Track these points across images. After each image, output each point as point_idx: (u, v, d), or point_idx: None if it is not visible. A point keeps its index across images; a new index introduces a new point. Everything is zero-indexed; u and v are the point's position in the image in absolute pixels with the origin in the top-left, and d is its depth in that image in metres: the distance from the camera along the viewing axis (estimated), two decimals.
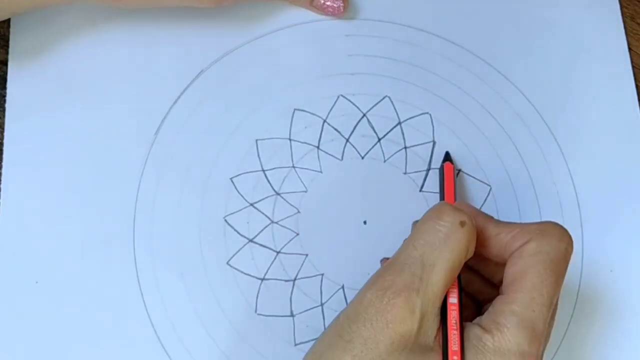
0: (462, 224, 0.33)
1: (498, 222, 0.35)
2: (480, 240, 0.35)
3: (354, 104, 0.45)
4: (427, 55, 0.46)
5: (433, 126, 0.45)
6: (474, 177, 0.44)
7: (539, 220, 0.43)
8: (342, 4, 0.45)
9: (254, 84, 0.45)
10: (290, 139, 0.44)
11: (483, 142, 0.45)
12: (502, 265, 0.35)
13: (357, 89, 0.45)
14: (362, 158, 0.44)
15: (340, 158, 0.44)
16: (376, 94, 0.45)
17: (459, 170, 0.44)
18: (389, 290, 0.31)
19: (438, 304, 0.32)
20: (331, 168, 0.43)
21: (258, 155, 0.43)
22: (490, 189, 0.44)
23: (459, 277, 0.34)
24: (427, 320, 0.32)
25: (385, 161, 0.44)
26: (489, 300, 0.36)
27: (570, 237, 0.34)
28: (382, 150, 0.44)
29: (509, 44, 0.47)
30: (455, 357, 0.31)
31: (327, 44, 0.46)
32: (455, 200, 0.40)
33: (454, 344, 0.32)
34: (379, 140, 0.44)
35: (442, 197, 0.40)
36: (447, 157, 0.43)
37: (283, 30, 0.46)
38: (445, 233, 0.33)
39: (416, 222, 0.39)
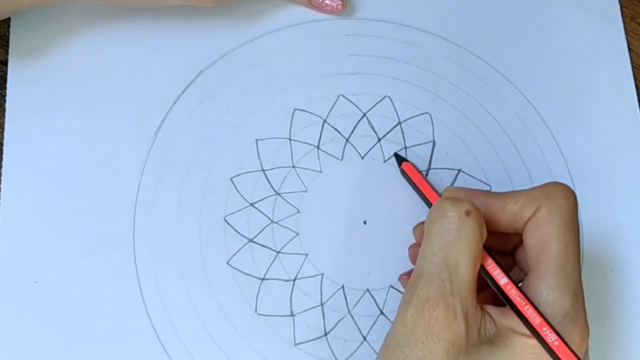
0: (468, 213, 0.33)
1: (498, 194, 0.36)
2: (487, 218, 0.35)
3: (354, 104, 0.45)
4: (427, 55, 0.46)
5: (433, 126, 0.45)
6: (474, 177, 0.44)
7: None
8: (340, 3, 0.45)
9: (254, 83, 0.45)
10: (290, 139, 0.44)
11: (483, 142, 0.45)
12: (513, 235, 0.36)
13: (357, 89, 0.45)
14: (362, 158, 0.44)
15: (340, 158, 0.44)
16: (376, 94, 0.45)
17: (459, 170, 0.44)
18: (426, 304, 0.32)
19: (474, 297, 0.33)
20: (331, 168, 0.43)
21: (258, 155, 0.43)
22: (490, 189, 0.44)
23: (492, 256, 0.34)
24: (471, 316, 0.32)
25: (385, 161, 0.44)
26: (509, 269, 0.37)
27: (573, 191, 0.34)
28: (382, 150, 0.44)
29: (509, 44, 0.47)
30: (544, 329, 0.31)
31: (327, 43, 0.46)
32: (437, 193, 0.39)
33: (534, 318, 0.32)
34: (379, 140, 0.44)
35: (423, 198, 0.40)
36: (401, 159, 0.42)
37: (283, 30, 0.46)
38: (456, 229, 0.33)
39: (416, 227, 0.39)
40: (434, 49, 0.46)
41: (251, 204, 0.42)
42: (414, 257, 0.40)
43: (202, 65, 0.45)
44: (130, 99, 0.43)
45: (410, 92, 0.45)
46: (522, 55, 0.47)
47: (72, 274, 0.40)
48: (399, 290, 0.41)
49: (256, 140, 0.43)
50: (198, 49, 0.45)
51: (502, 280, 0.34)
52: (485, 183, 0.44)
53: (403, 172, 0.42)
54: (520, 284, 0.34)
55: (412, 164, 0.41)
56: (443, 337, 0.31)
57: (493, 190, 0.44)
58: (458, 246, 0.33)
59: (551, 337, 0.31)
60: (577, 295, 0.33)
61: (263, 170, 0.43)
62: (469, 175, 0.44)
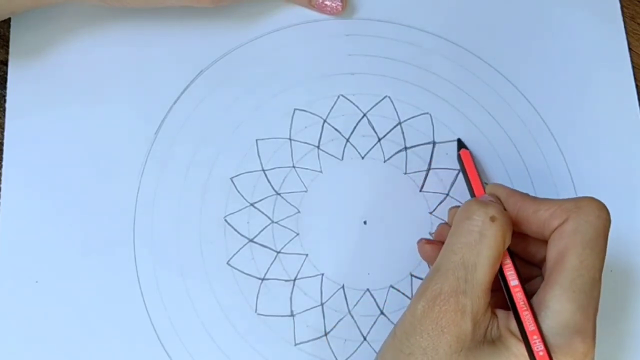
0: (493, 218, 0.33)
1: (534, 199, 0.36)
2: (519, 219, 0.36)
3: (354, 104, 0.45)
4: (427, 55, 0.46)
5: (433, 126, 0.45)
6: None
7: None
8: (340, 4, 0.45)
9: (254, 83, 0.45)
10: (290, 139, 0.44)
11: (483, 142, 0.45)
12: (541, 242, 0.36)
13: (357, 88, 0.45)
14: (362, 158, 0.44)
15: (340, 158, 0.44)
16: (376, 94, 0.45)
17: (459, 170, 0.44)
18: (438, 298, 0.33)
19: (486, 299, 0.33)
20: (331, 168, 0.43)
21: (258, 155, 0.43)
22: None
23: (512, 257, 0.35)
24: (480, 316, 0.33)
25: (385, 161, 0.44)
26: (531, 278, 0.37)
27: (607, 210, 0.34)
28: (382, 150, 0.44)
29: (509, 44, 0.47)
30: (535, 337, 0.32)
31: (327, 43, 0.46)
32: (483, 185, 0.40)
33: (529, 324, 0.32)
34: (379, 140, 0.44)
35: (468, 186, 0.40)
36: (461, 144, 0.43)
37: (283, 30, 0.46)
38: (479, 232, 0.33)
39: (452, 208, 0.40)
40: (434, 49, 0.46)
41: (251, 204, 0.42)
42: (438, 234, 0.41)
43: (202, 65, 0.45)
44: (131, 99, 0.43)
45: (411, 92, 0.45)
46: (522, 55, 0.47)
47: (72, 274, 0.40)
48: (399, 290, 0.41)
49: (256, 140, 0.43)
50: (198, 49, 0.45)
51: (513, 282, 0.34)
52: (485, 183, 0.44)
53: (459, 158, 0.42)
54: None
55: (470, 152, 0.42)
56: (448, 331, 0.32)
57: None
58: (478, 249, 0.33)
59: (538, 347, 0.32)
60: (584, 311, 0.32)
61: (263, 170, 0.43)
62: None
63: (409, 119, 0.45)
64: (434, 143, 0.44)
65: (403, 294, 0.41)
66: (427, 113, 0.45)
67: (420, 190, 0.43)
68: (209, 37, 0.45)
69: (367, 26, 0.46)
